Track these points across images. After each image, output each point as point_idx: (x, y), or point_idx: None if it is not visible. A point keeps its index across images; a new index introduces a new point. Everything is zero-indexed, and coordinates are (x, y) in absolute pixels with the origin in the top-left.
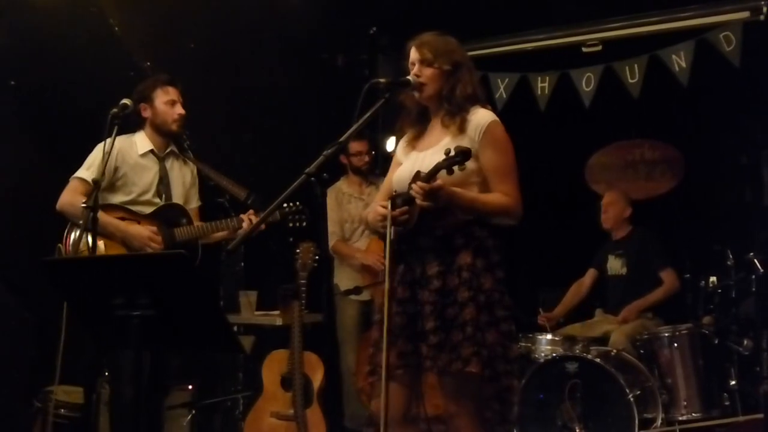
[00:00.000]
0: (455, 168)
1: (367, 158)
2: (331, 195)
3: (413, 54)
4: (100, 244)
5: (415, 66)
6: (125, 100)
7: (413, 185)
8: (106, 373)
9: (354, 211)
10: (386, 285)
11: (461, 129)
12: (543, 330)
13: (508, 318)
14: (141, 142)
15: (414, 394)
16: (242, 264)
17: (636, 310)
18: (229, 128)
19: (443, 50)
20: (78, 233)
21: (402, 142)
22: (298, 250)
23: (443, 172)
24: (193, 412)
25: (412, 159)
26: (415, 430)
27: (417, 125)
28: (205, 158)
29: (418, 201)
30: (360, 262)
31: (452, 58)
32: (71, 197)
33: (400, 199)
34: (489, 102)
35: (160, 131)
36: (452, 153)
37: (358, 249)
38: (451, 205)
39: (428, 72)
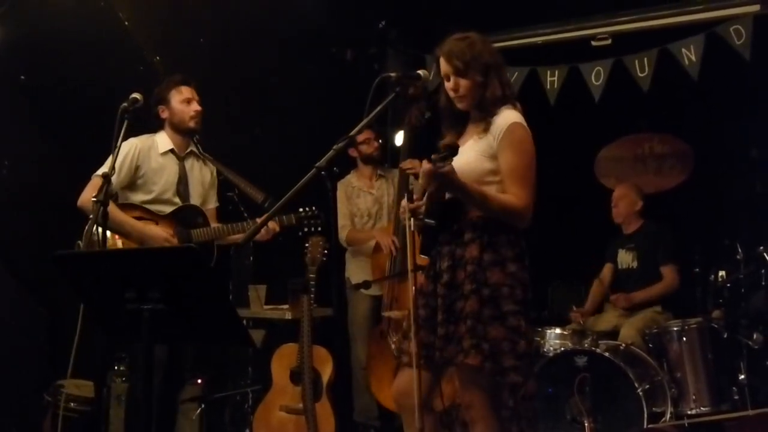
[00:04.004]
0: (444, 162)
1: (375, 144)
2: (341, 188)
3: (444, 66)
4: (119, 242)
5: (450, 80)
6: (135, 95)
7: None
8: (116, 368)
9: (363, 205)
10: (409, 275)
11: (486, 130)
12: (577, 325)
13: (517, 313)
14: (162, 141)
15: (437, 384)
16: (251, 258)
17: (629, 300)
18: (238, 123)
19: (471, 57)
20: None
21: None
22: (307, 245)
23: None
24: (203, 406)
25: None
26: (433, 418)
27: (455, 127)
28: (214, 154)
29: (420, 181)
30: (376, 242)
31: (481, 63)
32: (92, 194)
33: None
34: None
35: (179, 130)
36: (440, 149)
37: (374, 229)
38: (455, 192)
39: (464, 83)
